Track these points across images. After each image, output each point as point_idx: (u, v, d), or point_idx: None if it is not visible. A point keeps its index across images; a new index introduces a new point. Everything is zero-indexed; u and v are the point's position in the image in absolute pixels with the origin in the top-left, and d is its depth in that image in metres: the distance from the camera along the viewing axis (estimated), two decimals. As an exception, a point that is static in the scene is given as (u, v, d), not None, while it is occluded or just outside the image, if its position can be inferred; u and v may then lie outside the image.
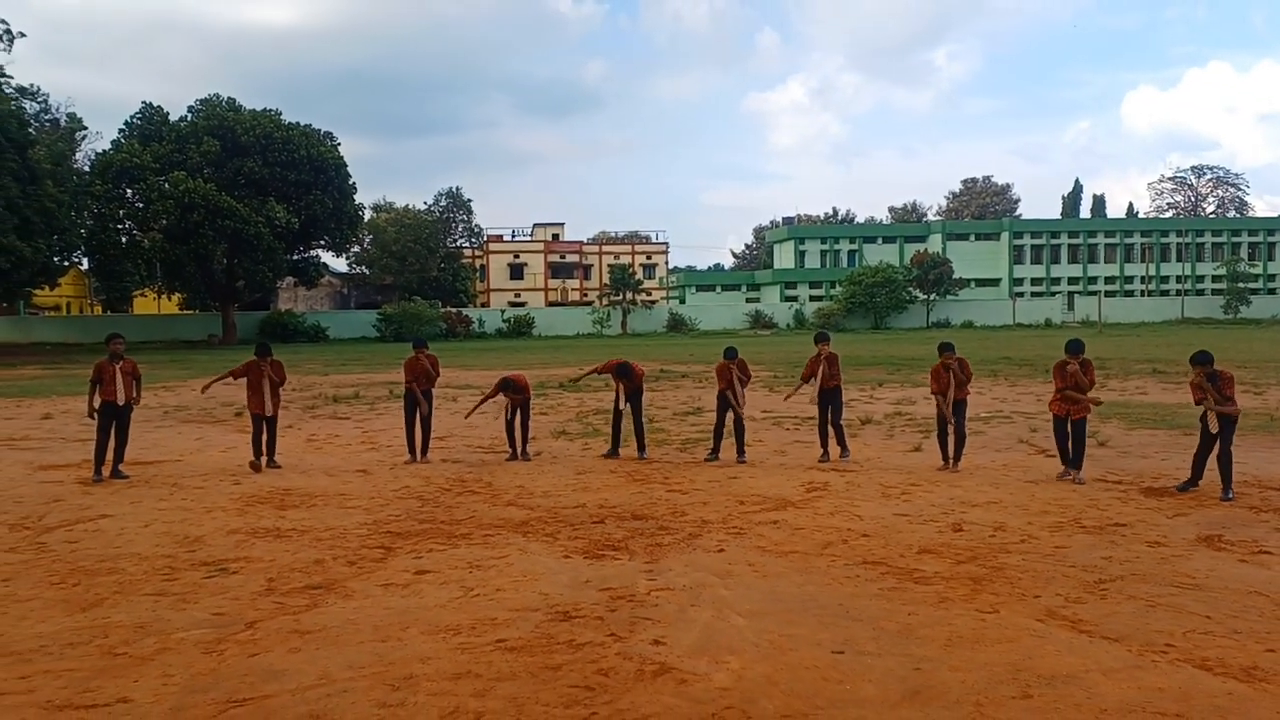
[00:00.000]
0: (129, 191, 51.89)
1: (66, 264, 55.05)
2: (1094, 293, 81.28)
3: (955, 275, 72.42)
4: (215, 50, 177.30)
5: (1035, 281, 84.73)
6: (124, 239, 53.45)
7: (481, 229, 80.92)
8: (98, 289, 70.41)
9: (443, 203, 76.85)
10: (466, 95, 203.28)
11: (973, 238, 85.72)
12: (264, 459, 11.60)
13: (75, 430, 15.88)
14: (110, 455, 11.06)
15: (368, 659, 5.16)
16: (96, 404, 10.99)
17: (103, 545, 7.90)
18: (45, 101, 56.48)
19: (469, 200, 78.09)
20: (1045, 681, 4.72)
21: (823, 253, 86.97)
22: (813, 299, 77.14)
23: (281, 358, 12.32)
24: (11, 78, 48.23)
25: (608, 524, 8.43)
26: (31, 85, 52.16)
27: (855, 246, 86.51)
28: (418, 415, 11.97)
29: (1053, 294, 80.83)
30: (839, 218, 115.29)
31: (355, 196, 57.96)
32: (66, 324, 63.77)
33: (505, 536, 8.02)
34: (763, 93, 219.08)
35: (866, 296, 67.69)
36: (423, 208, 74.92)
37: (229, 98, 55.62)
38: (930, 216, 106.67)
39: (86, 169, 53.53)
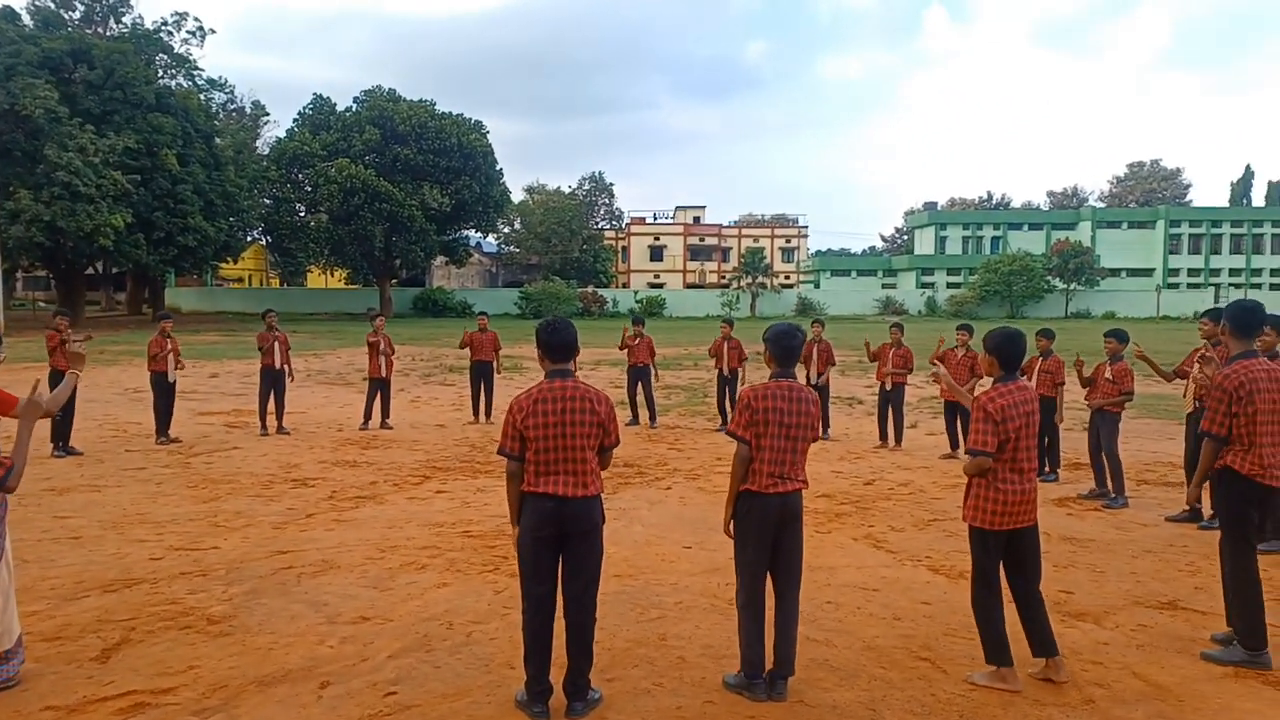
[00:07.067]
0: (300, 176, 57.35)
1: (249, 241, 61.41)
2: (1257, 285, 77.63)
3: (1105, 265, 70.77)
4: (390, 36, 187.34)
5: (1193, 272, 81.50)
6: (296, 219, 59.03)
7: (623, 212, 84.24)
8: (274, 264, 77.36)
9: (586, 186, 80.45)
10: (625, 76, 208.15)
11: (1125, 226, 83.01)
12: (373, 420, 13.90)
13: (234, 387, 19.40)
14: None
15: (373, 535, 7.71)
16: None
17: (229, 466, 10.83)
18: (231, 92, 62.97)
19: (611, 184, 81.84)
20: (815, 569, 6.77)
21: (965, 239, 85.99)
22: (950, 286, 76.69)
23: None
24: (203, 71, 54.21)
25: (600, 468, 10.76)
26: (220, 77, 58.34)
27: (1000, 233, 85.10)
28: (481, 383, 14.62)
29: (1211, 285, 77.54)
30: (992, 202, 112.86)
31: (501, 181, 61.84)
32: (246, 295, 70.61)
33: (516, 473, 10.46)
34: (929, 70, 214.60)
35: (1003, 285, 67.05)
36: (568, 190, 78.67)
37: (389, 89, 60.42)
38: (1092, 201, 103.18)
39: (266, 153, 59.42)
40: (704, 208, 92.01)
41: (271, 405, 13.41)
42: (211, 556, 7.07)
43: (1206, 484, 8.28)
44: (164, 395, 12.57)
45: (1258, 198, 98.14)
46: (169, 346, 12.60)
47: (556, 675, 4.53)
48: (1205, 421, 5.02)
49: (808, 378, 13.12)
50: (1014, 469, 4.69)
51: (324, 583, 6.46)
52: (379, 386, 14.09)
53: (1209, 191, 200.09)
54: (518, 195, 73.24)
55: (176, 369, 12.67)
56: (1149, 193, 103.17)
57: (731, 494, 4.76)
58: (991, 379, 4.93)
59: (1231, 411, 4.91)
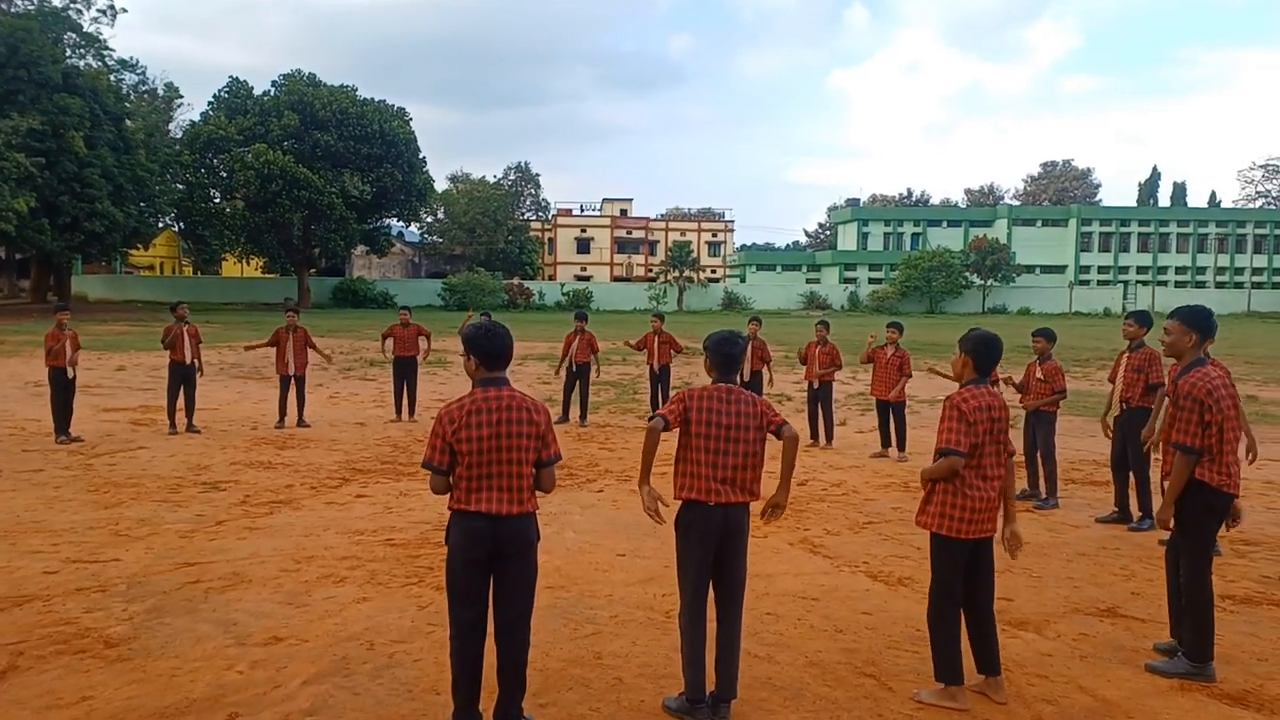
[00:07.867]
0: (215, 161, 55.43)
1: (160, 227, 59.10)
2: (1163, 283, 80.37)
3: (1020, 262, 72.57)
4: (311, 19, 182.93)
5: (1103, 270, 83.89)
6: (211, 206, 56.98)
7: (549, 203, 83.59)
8: (187, 251, 74.73)
9: (511, 176, 79.53)
10: (552, 67, 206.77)
11: (1039, 224, 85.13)
12: (289, 418, 13.26)
13: (141, 381, 18.54)
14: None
15: (289, 545, 7.28)
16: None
17: (134, 468, 10.22)
18: (143, 73, 60.45)
19: (537, 175, 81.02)
20: (753, 576, 6.53)
21: (886, 235, 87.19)
22: (872, 281, 77.73)
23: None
24: (113, 51, 51.98)
25: (528, 469, 10.45)
26: (131, 58, 55.95)
27: (919, 230, 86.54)
28: (403, 380, 14.16)
29: (1120, 283, 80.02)
30: (912, 199, 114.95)
31: (425, 170, 60.65)
32: (157, 283, 67.92)
33: (441, 474, 10.09)
34: (849, 69, 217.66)
35: (922, 280, 68.16)
36: (493, 180, 77.64)
37: (309, 73, 58.70)
38: (1007, 200, 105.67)
39: (179, 136, 57.21)
40: (631, 200, 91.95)
41: (181, 402, 12.75)
42: (111, 570, 6.59)
43: (1134, 483, 8.44)
44: (62, 392, 11.85)
45: (1164, 198, 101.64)
46: (65, 340, 11.88)
47: (486, 702, 4.24)
48: (1177, 434, 4.89)
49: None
50: (980, 475, 4.54)
51: (234, 598, 6.04)
52: (289, 383, 13.54)
53: (1118, 191, 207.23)
54: (441, 184, 72.09)
55: (72, 362, 11.94)
56: (1061, 192, 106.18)
57: (643, 469, 4.64)
58: (960, 381, 4.76)
59: (1205, 421, 4.81)
